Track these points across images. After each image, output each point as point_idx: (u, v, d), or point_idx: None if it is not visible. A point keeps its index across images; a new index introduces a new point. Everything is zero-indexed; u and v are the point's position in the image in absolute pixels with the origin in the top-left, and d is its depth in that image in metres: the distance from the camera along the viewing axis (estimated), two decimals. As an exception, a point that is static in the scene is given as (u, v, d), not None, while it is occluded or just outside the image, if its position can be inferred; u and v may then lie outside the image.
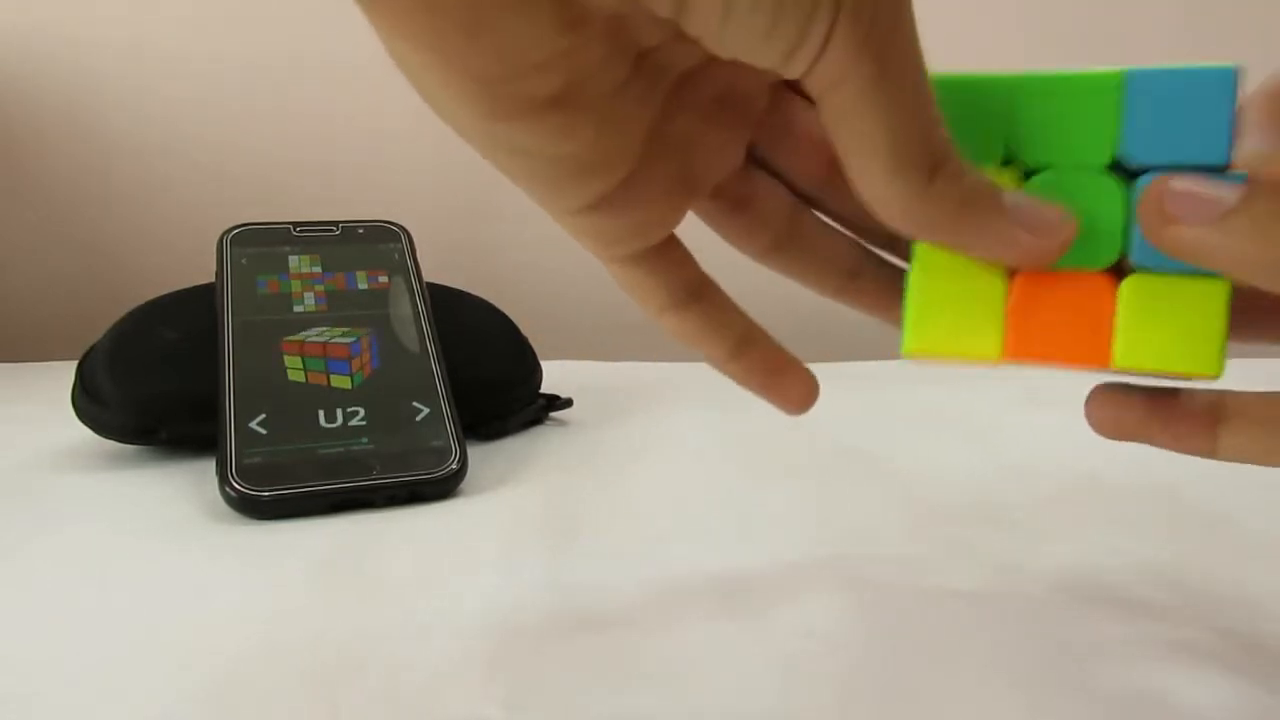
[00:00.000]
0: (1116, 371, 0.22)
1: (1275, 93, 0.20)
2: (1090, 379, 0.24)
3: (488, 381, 0.51)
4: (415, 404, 0.45)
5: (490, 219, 0.88)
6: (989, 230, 0.21)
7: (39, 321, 0.89)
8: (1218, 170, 0.20)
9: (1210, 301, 0.21)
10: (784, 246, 0.26)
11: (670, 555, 0.34)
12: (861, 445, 0.48)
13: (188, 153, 0.88)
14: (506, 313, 0.57)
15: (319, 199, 0.86)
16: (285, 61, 0.88)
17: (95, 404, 0.46)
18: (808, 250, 0.26)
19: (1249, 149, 0.20)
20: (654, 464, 0.46)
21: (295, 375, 0.44)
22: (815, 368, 0.28)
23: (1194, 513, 0.37)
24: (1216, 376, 0.21)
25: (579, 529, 0.37)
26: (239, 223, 0.49)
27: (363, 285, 0.49)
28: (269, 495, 0.38)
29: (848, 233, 0.27)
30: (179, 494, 0.42)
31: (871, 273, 0.27)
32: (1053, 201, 0.21)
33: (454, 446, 0.43)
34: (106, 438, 0.47)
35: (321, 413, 0.43)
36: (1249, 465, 0.22)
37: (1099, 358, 0.22)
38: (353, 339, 0.46)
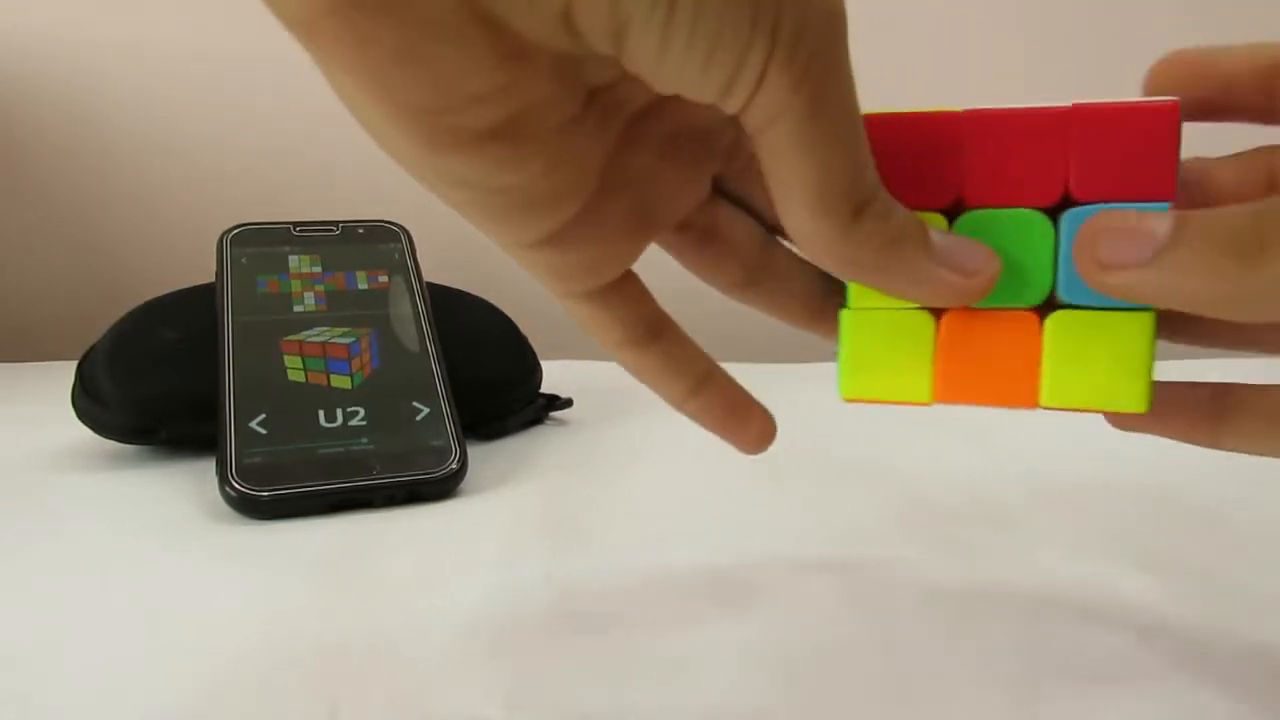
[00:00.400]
0: (1048, 410, 0.22)
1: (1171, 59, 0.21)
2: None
3: (488, 381, 0.51)
4: (415, 404, 0.45)
5: (490, 219, 0.88)
6: (911, 271, 0.20)
7: (39, 321, 0.89)
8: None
9: (1136, 334, 0.20)
10: (756, 280, 0.26)
11: (670, 555, 0.34)
12: (861, 445, 0.48)
13: (188, 153, 0.88)
14: (506, 313, 0.57)
15: (319, 199, 0.86)
16: (285, 61, 0.88)
17: (95, 404, 0.46)
18: (780, 282, 0.26)
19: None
20: (654, 464, 0.46)
21: (295, 375, 0.44)
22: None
23: (1193, 513, 0.37)
24: (1144, 412, 0.21)
25: (579, 529, 0.37)
26: (239, 223, 0.49)
27: (363, 285, 0.49)
28: (269, 495, 0.38)
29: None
30: (179, 494, 0.42)
31: (842, 303, 0.26)
32: (979, 240, 0.21)
33: (454, 446, 0.43)
34: (106, 438, 0.47)
35: (321, 412, 0.43)
36: (1248, 463, 0.22)
37: (1027, 399, 0.21)
38: (352, 339, 0.46)
